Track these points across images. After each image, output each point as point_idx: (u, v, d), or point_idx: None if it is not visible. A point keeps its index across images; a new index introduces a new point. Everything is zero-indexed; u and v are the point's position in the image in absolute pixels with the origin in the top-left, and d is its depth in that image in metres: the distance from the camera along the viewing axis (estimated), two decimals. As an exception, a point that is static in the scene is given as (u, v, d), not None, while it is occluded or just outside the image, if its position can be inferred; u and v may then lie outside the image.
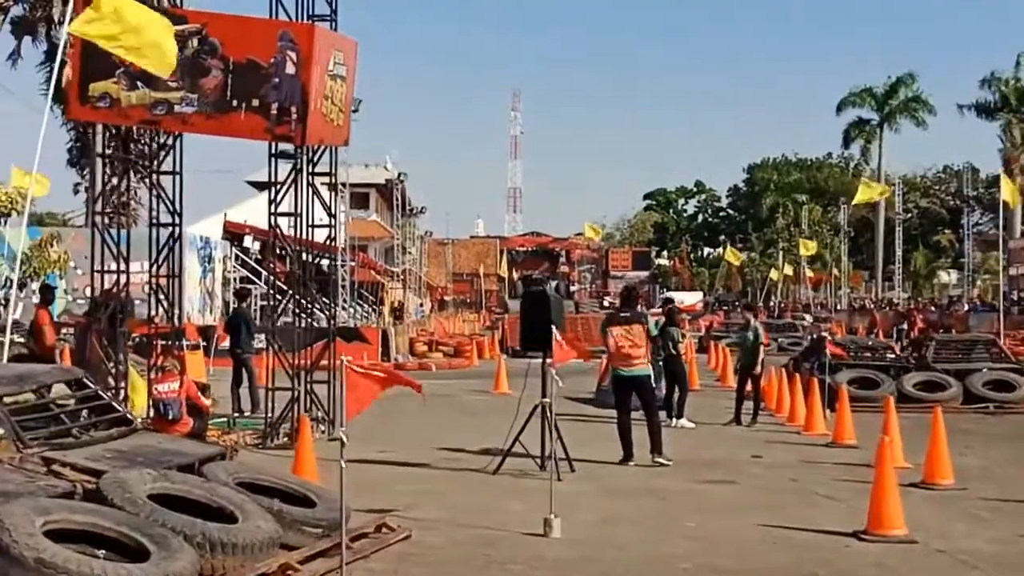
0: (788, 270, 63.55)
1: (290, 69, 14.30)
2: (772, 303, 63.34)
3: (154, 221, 16.52)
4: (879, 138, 70.86)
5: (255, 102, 14.34)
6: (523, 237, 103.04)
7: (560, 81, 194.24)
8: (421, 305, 60.39)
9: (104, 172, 16.41)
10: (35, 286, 24.93)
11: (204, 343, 23.59)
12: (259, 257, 38.46)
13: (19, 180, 21.25)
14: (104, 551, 7.02)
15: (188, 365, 16.89)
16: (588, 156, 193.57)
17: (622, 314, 13.51)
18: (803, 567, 8.32)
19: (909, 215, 64.62)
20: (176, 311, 16.44)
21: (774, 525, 9.70)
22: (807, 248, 51.40)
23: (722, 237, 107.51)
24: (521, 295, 14.08)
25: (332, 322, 17.15)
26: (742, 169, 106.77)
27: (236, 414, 17.63)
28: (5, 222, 20.51)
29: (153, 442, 9.33)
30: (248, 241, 38.80)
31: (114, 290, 16.28)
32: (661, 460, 13.01)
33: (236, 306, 21.51)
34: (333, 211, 17.17)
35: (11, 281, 20.33)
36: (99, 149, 33.38)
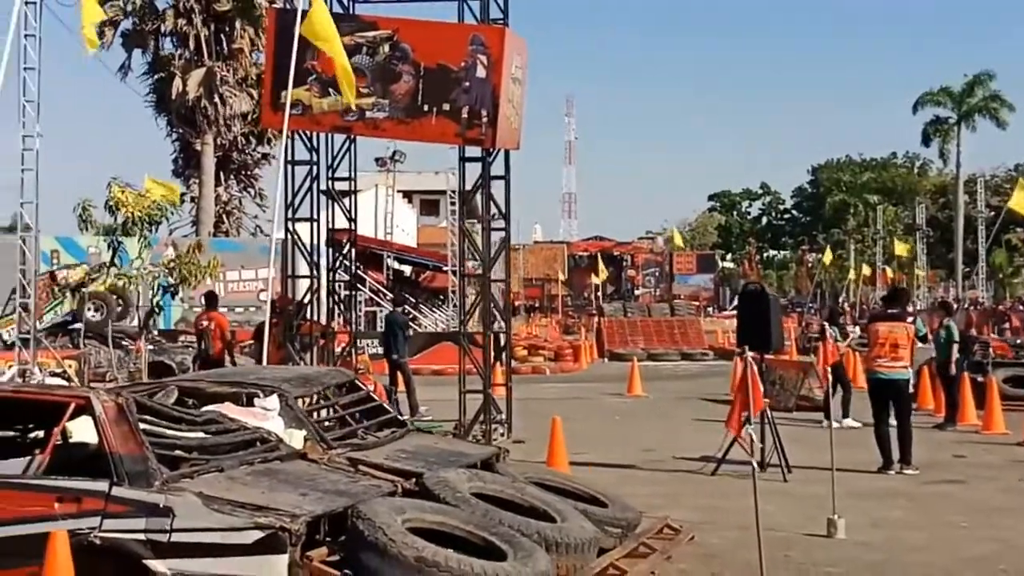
0: (866, 271, 62.94)
1: (480, 72, 14.37)
2: (843, 304, 62.70)
3: (328, 226, 16.71)
4: (957, 137, 70.04)
5: (446, 106, 14.44)
6: (586, 242, 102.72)
7: (617, 82, 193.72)
8: (497, 310, 60.48)
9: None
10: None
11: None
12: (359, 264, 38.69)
13: (154, 189, 21.36)
14: (450, 550, 7.02)
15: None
16: (646, 159, 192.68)
17: (888, 311, 13.26)
18: None
19: (992, 213, 63.63)
20: (353, 315, 16.59)
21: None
22: (902, 249, 50.79)
23: (786, 239, 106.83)
24: (739, 294, 13.91)
25: (494, 327, 17.06)
26: (806, 171, 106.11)
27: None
28: (156, 230, 20.63)
29: (430, 442, 9.35)
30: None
31: (292, 296, 16.53)
32: (909, 471, 12.59)
33: (391, 312, 21.63)
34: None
35: (163, 288, 20.51)
36: (210, 159, 33.51)
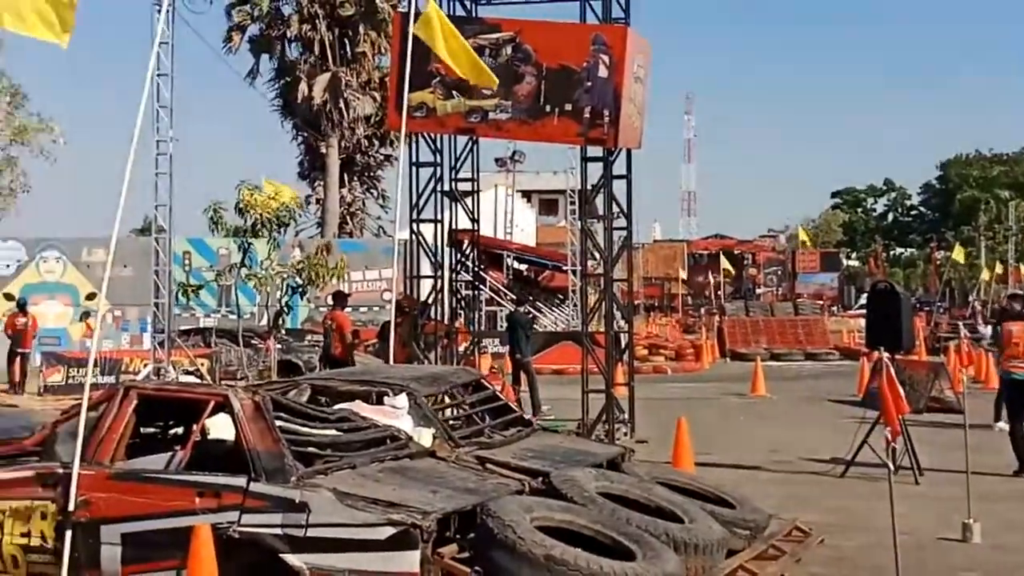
0: (999, 268, 60.94)
1: (602, 72, 14.35)
2: (972, 303, 60.77)
3: (454, 227, 16.89)
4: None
5: (568, 107, 14.45)
6: (707, 240, 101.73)
7: (737, 78, 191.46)
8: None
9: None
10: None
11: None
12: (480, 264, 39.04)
13: (282, 191, 21.81)
14: (579, 548, 7.03)
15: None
16: (767, 157, 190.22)
17: (1020, 309, 12.94)
18: None
19: None
20: (476, 314, 16.74)
21: None
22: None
23: (913, 236, 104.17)
24: (869, 293, 13.67)
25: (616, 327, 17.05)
26: (935, 166, 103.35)
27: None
28: (284, 231, 21.13)
29: (556, 441, 9.37)
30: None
31: (414, 296, 16.75)
32: None
33: (513, 312, 21.76)
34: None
35: (291, 289, 20.95)
36: (335, 162, 33.91)
